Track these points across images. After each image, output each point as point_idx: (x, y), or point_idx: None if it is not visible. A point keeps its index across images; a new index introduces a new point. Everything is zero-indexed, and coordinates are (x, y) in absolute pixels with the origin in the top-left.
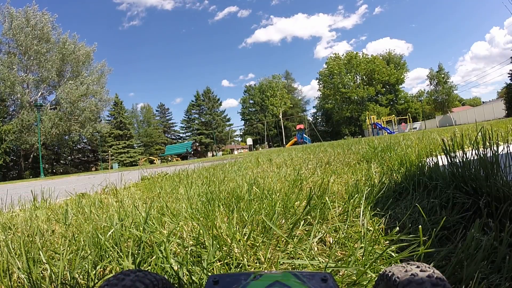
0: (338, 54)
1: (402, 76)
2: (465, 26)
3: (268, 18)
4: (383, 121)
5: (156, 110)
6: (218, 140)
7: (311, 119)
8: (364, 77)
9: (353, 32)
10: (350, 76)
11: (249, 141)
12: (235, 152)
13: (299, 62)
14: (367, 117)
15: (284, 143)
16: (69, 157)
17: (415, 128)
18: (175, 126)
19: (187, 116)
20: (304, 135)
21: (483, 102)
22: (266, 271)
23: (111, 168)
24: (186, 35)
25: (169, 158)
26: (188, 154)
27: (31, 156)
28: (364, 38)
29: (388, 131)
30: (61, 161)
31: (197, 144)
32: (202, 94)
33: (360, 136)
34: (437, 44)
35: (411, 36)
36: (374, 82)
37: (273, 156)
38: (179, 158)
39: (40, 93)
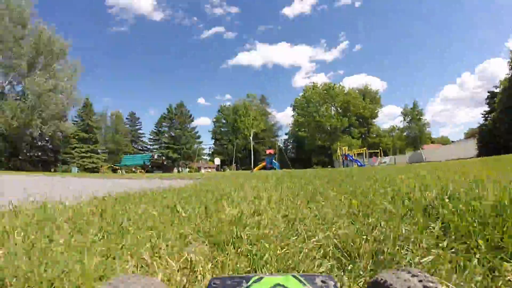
0: (316, 83)
1: (376, 110)
2: (437, 70)
3: (252, 43)
4: (354, 153)
5: (127, 118)
6: (185, 156)
7: (282, 145)
8: (339, 108)
9: (332, 66)
10: (326, 106)
11: (217, 161)
12: (202, 171)
13: (277, 88)
14: (338, 148)
15: (253, 166)
16: (28, 154)
17: (385, 162)
18: (144, 137)
19: (156, 128)
20: (273, 160)
21: (452, 141)
22: (267, 274)
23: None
24: (171, 48)
25: (134, 170)
26: (146, 167)
27: None
28: (342, 72)
29: (359, 163)
30: (20, 157)
31: (164, 158)
32: (175, 108)
33: (330, 166)
34: (410, 84)
35: (386, 75)
36: (348, 114)
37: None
38: (143, 170)
39: (7, 81)
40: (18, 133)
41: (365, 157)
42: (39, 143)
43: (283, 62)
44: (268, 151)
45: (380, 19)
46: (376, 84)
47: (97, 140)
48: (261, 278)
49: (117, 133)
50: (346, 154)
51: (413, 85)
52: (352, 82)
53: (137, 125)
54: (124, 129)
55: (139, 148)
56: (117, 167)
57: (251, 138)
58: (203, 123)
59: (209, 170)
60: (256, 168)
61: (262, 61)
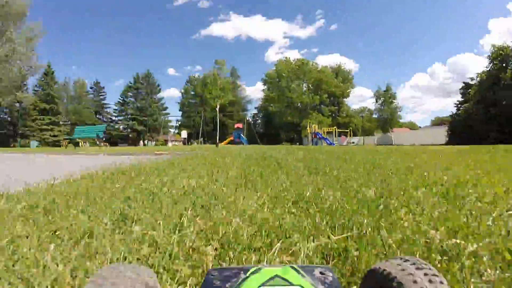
0: (289, 58)
1: (348, 90)
2: (410, 57)
3: (227, 14)
4: (323, 131)
5: (91, 87)
6: (151, 128)
7: (251, 120)
8: (310, 85)
9: (307, 43)
10: (298, 82)
11: (184, 134)
12: (169, 144)
13: (249, 62)
14: (308, 125)
15: (218, 140)
16: None
17: (353, 142)
18: (109, 107)
19: (122, 99)
20: (241, 135)
21: (420, 127)
22: (265, 265)
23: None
24: (141, 15)
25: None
26: (99, 141)
27: None
28: (315, 50)
29: (328, 141)
30: None
31: (129, 130)
32: (142, 77)
33: (298, 143)
34: (381, 68)
35: (359, 57)
36: (320, 92)
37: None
38: (107, 144)
39: None
40: None
41: (335, 136)
42: None
43: (256, 35)
44: (236, 125)
45: (359, 1)
46: (349, 65)
47: (59, 111)
48: (259, 269)
49: (79, 104)
50: (316, 132)
51: (385, 69)
52: (325, 61)
53: (101, 95)
54: (88, 99)
55: (104, 119)
56: (79, 140)
57: (217, 109)
58: (172, 94)
59: (176, 143)
60: (223, 143)
61: (235, 33)
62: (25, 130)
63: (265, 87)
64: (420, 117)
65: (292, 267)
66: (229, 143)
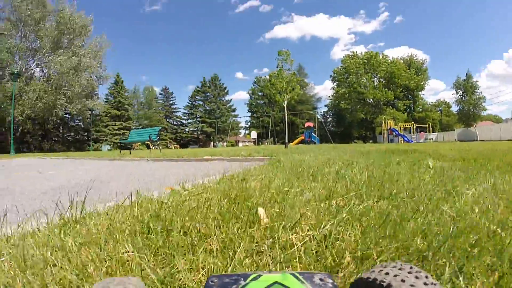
0: (356, 52)
1: (423, 82)
2: (483, 44)
3: (289, 16)
4: (400, 128)
5: (160, 93)
6: (221, 130)
7: (321, 118)
8: (382, 79)
9: (372, 38)
10: (367, 77)
11: (254, 134)
12: (240, 145)
13: (315, 61)
14: (383, 121)
15: (287, 140)
16: (60, 134)
17: (432, 138)
18: (178, 111)
19: (191, 103)
20: (312, 133)
21: (504, 119)
22: (265, 271)
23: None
24: (206, 25)
25: (169, 145)
26: (152, 143)
27: (19, 130)
28: (382, 44)
29: (406, 138)
30: (53, 138)
31: (199, 132)
32: (209, 80)
33: (372, 141)
34: (454, 58)
35: (429, 48)
36: (392, 86)
37: None
38: (178, 146)
39: (35, 63)
40: (45, 114)
41: (412, 132)
42: (71, 124)
43: (320, 34)
44: (307, 124)
45: None
46: (419, 57)
47: (130, 117)
48: (259, 276)
49: (149, 109)
50: (392, 128)
51: (457, 58)
52: (394, 54)
53: (170, 100)
54: (157, 104)
55: (174, 123)
56: (133, 145)
57: (285, 104)
58: (241, 97)
59: (247, 144)
60: (294, 142)
61: (299, 33)
62: (98, 135)
63: (334, 84)
64: (498, 109)
65: (292, 274)
66: (299, 142)
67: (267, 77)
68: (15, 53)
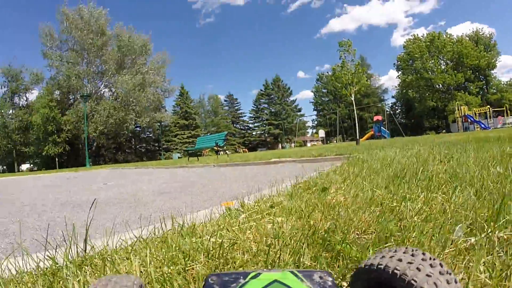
0: (417, 35)
1: (494, 59)
2: None
3: (342, 7)
4: (475, 113)
5: (225, 100)
6: (288, 131)
7: (389, 111)
8: (449, 61)
9: (431, 17)
10: (433, 60)
11: (322, 133)
12: (308, 145)
13: (376, 51)
14: (456, 108)
15: (358, 136)
16: (132, 146)
17: (510, 123)
18: (244, 116)
19: (255, 106)
20: (382, 127)
21: None
22: (265, 269)
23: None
24: (260, 29)
25: (238, 150)
26: (219, 148)
27: (94, 144)
28: (443, 23)
29: (482, 125)
30: (126, 150)
31: (266, 135)
32: (272, 83)
33: (445, 131)
34: None
35: (494, 20)
36: (461, 67)
37: None
38: (246, 150)
39: (103, 84)
40: (117, 129)
41: (489, 117)
42: (143, 135)
43: (377, 22)
44: (375, 118)
45: None
46: (485, 32)
47: (198, 125)
48: (259, 274)
49: (216, 116)
50: (466, 114)
51: None
52: (458, 32)
53: (235, 106)
54: (223, 111)
55: (241, 128)
56: (218, 148)
57: (352, 98)
58: (305, 96)
59: (315, 143)
60: (363, 138)
61: (355, 24)
62: (168, 144)
63: (399, 72)
64: None
65: (291, 272)
66: (369, 138)
67: (330, 72)
68: (83, 78)
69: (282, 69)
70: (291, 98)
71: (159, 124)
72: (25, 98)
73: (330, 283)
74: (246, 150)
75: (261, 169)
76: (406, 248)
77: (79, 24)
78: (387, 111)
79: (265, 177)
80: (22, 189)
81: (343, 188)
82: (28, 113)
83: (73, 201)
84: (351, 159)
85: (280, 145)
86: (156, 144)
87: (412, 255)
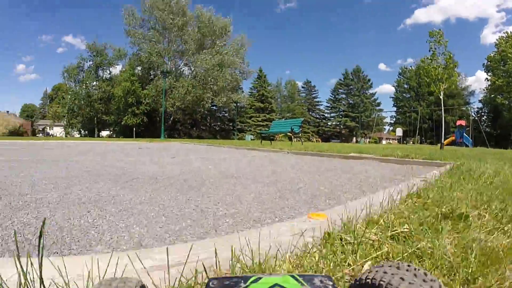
0: (511, 33)
1: None
2: None
3: None
4: None
5: (302, 87)
6: (364, 125)
7: (475, 116)
8: None
9: None
10: None
11: (399, 131)
12: (383, 142)
13: (464, 48)
14: None
15: (442, 139)
16: (207, 124)
17: None
18: (321, 105)
19: (333, 96)
20: (464, 134)
21: None
22: (265, 274)
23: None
24: (341, 16)
25: (311, 138)
26: (294, 135)
27: (171, 119)
28: None
29: None
30: (201, 127)
31: (342, 126)
32: (351, 73)
33: None
34: None
35: None
36: None
37: None
38: (320, 140)
39: (183, 62)
40: (194, 106)
41: None
42: (218, 114)
43: (466, 15)
44: (458, 122)
45: None
46: None
47: (273, 110)
48: (259, 278)
49: (292, 102)
50: None
51: None
52: None
53: (313, 93)
54: (300, 97)
55: (316, 116)
56: (293, 135)
57: (441, 95)
58: (385, 90)
59: (390, 141)
60: (445, 142)
61: (442, 16)
62: (243, 125)
63: (489, 74)
64: None
65: (292, 276)
66: (449, 143)
67: (413, 67)
68: (164, 56)
69: (362, 60)
70: (371, 91)
71: (235, 104)
72: (108, 72)
73: (330, 287)
74: (320, 140)
75: (340, 164)
76: (393, 261)
77: (160, 5)
78: (472, 116)
79: (348, 175)
80: (85, 154)
81: (490, 215)
82: (110, 85)
83: (129, 173)
84: (455, 169)
85: (354, 139)
86: (231, 124)
87: (398, 267)
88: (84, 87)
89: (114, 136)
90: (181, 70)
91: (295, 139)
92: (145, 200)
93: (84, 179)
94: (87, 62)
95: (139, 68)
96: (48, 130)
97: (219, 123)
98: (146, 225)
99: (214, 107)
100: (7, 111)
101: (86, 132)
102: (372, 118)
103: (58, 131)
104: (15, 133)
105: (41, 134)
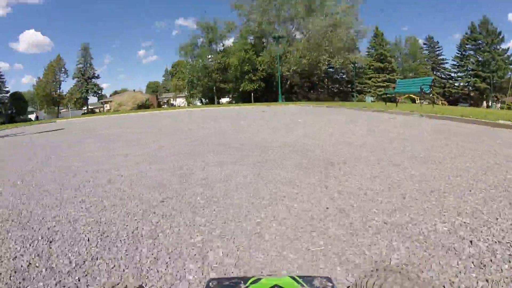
0: None
1: None
2: None
3: None
4: None
5: (424, 44)
6: (496, 87)
7: None
8: None
9: None
10: None
11: None
12: None
13: None
14: None
15: None
16: (325, 86)
17: None
18: (446, 63)
19: (459, 53)
20: None
21: None
22: (265, 275)
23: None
24: None
25: (436, 101)
26: (425, 96)
27: (287, 83)
28: None
29: None
30: (319, 89)
31: (470, 88)
32: (479, 25)
33: None
34: None
35: None
36: None
37: None
38: (446, 102)
39: (294, 27)
40: (310, 69)
41: None
42: (336, 76)
43: None
44: None
45: None
46: None
47: (393, 69)
48: (259, 279)
49: (414, 61)
50: None
51: None
52: None
53: (436, 50)
54: (422, 55)
55: (442, 76)
56: (423, 95)
57: None
58: None
59: None
60: None
61: None
62: (362, 87)
63: None
64: None
65: (291, 277)
66: None
67: None
68: (274, 23)
69: (488, 10)
70: (503, 46)
71: (353, 65)
72: (221, 44)
73: None
74: (446, 102)
75: (492, 134)
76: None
77: None
78: None
79: None
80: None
81: None
82: (225, 56)
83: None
84: None
85: (484, 103)
86: (349, 86)
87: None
88: (201, 60)
89: (234, 102)
90: (294, 35)
91: (422, 101)
92: None
93: None
94: (200, 38)
95: (251, 37)
96: (172, 102)
97: (337, 85)
98: None
99: (331, 69)
100: (134, 90)
101: (207, 100)
102: (506, 79)
103: (180, 101)
104: (143, 106)
105: (165, 106)
